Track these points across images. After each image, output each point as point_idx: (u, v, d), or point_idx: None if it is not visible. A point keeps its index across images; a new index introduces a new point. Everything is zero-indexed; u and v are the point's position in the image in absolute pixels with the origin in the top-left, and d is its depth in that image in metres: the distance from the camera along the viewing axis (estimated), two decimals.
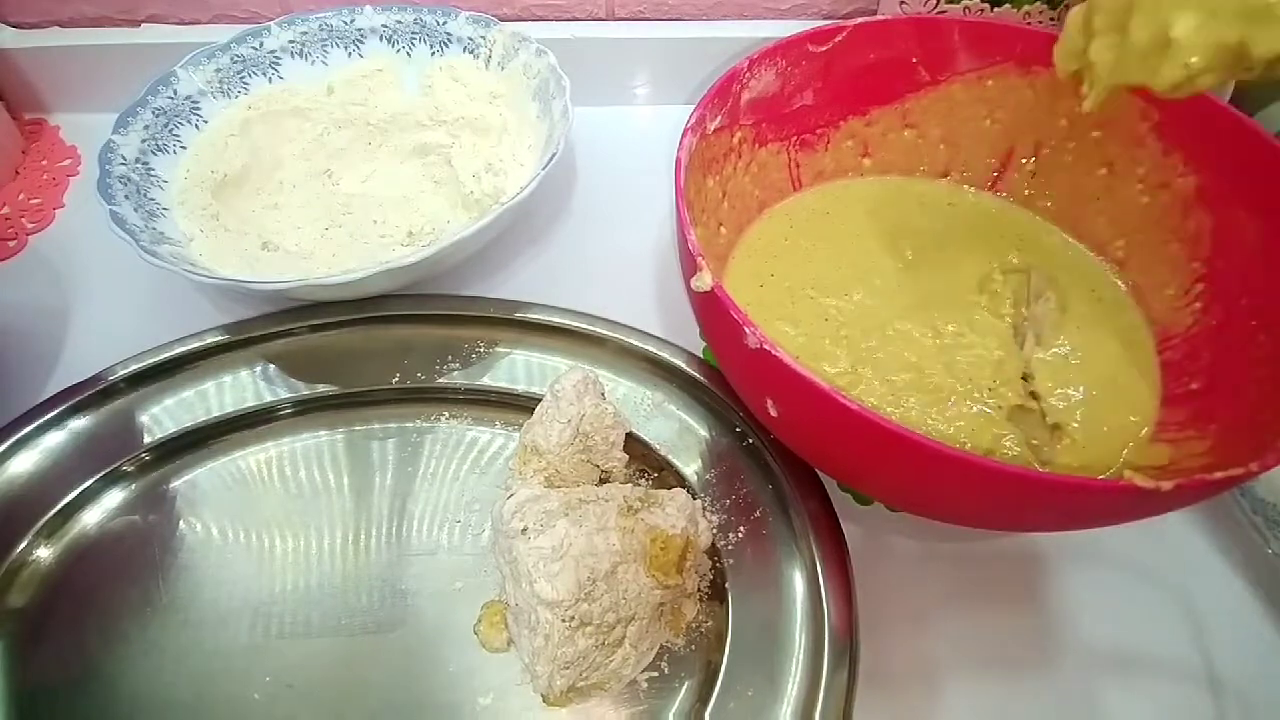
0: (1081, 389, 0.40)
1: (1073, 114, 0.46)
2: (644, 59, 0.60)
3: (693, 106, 0.40)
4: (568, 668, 0.34)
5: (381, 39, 0.57)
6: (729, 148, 0.44)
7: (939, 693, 0.37)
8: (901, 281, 0.44)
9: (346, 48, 0.57)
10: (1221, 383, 0.39)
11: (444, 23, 0.56)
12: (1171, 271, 0.43)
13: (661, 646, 0.37)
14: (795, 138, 0.47)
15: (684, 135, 0.38)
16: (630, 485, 0.40)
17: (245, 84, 0.55)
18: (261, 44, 0.55)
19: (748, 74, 0.42)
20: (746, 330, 0.31)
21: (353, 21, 0.57)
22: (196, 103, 0.53)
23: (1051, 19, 0.51)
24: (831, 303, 0.43)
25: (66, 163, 0.57)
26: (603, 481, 0.40)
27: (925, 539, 0.41)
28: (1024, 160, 0.48)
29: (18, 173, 0.56)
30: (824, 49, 0.45)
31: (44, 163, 0.57)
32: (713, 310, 0.33)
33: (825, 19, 0.61)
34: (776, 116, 0.46)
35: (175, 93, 0.52)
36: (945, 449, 0.28)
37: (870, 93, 0.48)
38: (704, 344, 0.47)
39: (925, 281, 0.44)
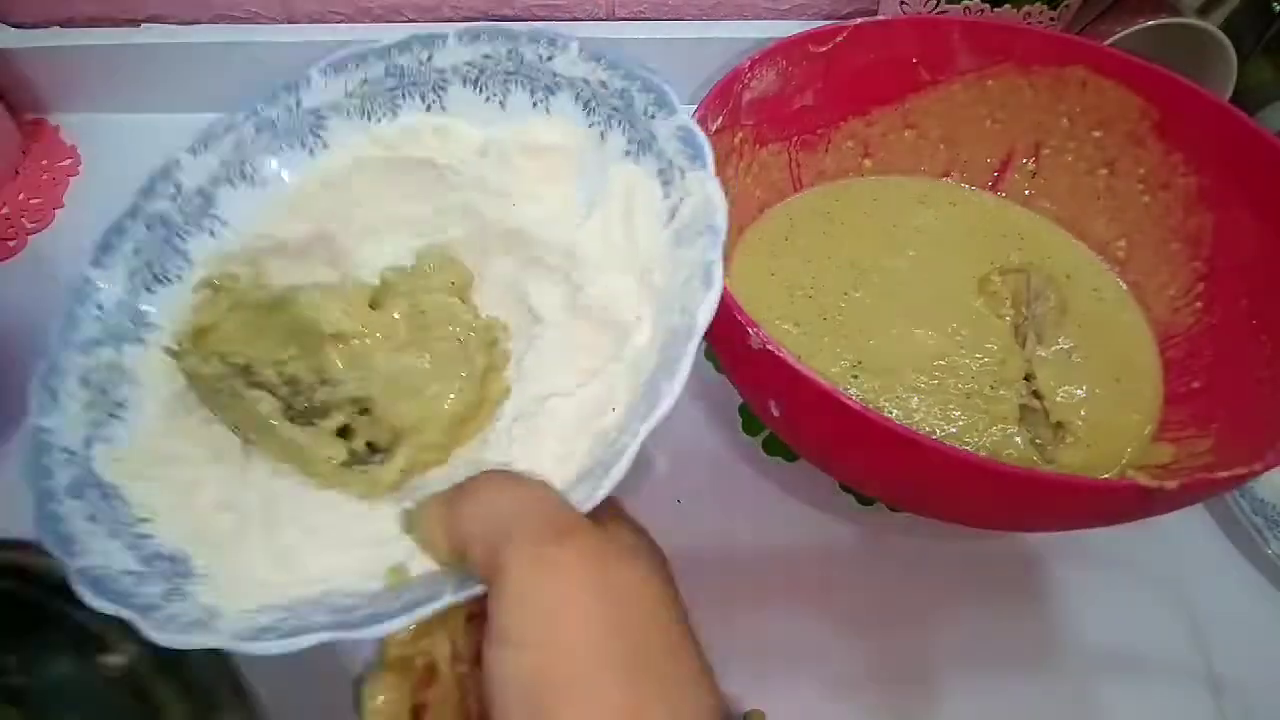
0: (1084, 388, 0.40)
1: (1073, 114, 0.46)
2: (644, 59, 0.59)
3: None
4: None
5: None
6: (730, 148, 0.44)
7: (939, 693, 0.37)
8: (903, 281, 0.44)
9: (424, 96, 0.42)
10: (1223, 382, 0.39)
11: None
12: (1172, 271, 0.43)
13: None
14: (796, 138, 0.47)
15: None
16: None
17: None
18: (299, 102, 0.42)
19: (749, 74, 0.42)
20: (750, 331, 0.31)
21: (429, 59, 0.42)
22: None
23: (1052, 19, 0.51)
24: (832, 302, 0.43)
25: (66, 163, 0.57)
26: None
27: (925, 539, 0.41)
28: (1024, 160, 0.48)
29: (18, 173, 0.56)
30: (825, 49, 0.45)
31: (44, 163, 0.57)
32: (716, 310, 0.33)
33: (825, 19, 0.60)
34: (777, 117, 0.46)
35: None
36: (952, 451, 0.28)
37: (871, 93, 0.48)
38: (704, 344, 0.47)
39: (926, 281, 0.44)
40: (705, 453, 0.44)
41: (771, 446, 0.43)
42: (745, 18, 0.60)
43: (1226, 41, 0.48)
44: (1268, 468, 0.29)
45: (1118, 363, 0.42)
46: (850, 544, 0.39)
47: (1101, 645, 0.39)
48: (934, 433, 0.38)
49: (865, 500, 0.41)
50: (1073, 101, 0.46)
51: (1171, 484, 0.27)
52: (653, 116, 0.37)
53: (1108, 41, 0.49)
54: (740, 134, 0.44)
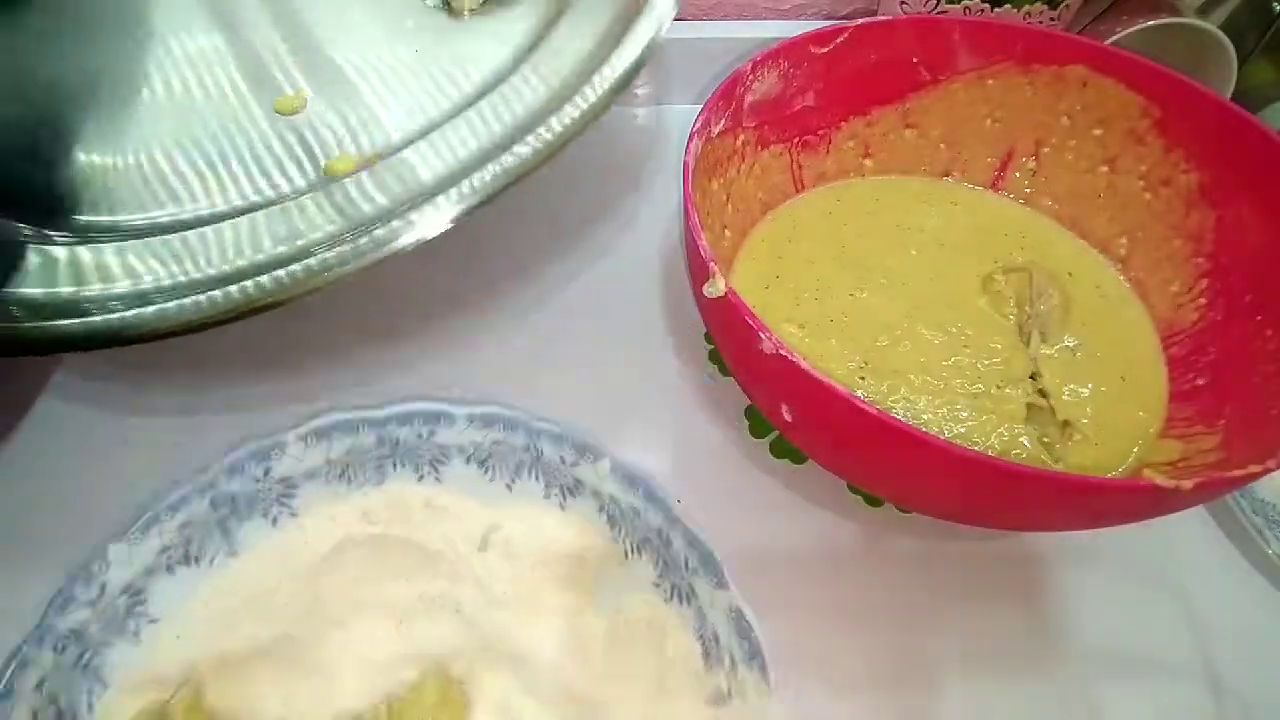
0: (1089, 385, 0.40)
1: (1073, 112, 0.46)
2: None
3: (691, 106, 0.39)
4: None
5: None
6: (732, 150, 0.44)
7: (939, 693, 0.37)
8: (906, 281, 0.44)
9: (418, 467, 0.38)
10: (1228, 378, 0.39)
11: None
12: (1175, 268, 0.43)
13: None
14: (797, 139, 0.47)
15: (690, 139, 0.38)
16: None
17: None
18: (268, 471, 0.36)
19: (751, 76, 0.42)
20: (762, 336, 0.31)
21: (431, 435, 0.38)
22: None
23: (1052, 19, 0.51)
24: (837, 304, 0.43)
25: None
26: None
27: (927, 538, 0.41)
28: (1025, 159, 0.48)
29: None
30: (826, 50, 0.45)
31: None
32: (725, 316, 0.33)
33: (825, 19, 0.60)
34: (779, 118, 0.46)
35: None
36: (970, 454, 0.28)
37: (871, 93, 0.48)
38: (710, 347, 0.47)
39: (930, 281, 0.44)
40: (711, 454, 0.43)
41: (779, 449, 0.43)
42: (745, 18, 0.60)
43: (1227, 41, 0.49)
44: None
45: (1122, 360, 0.42)
46: (857, 545, 0.39)
47: (1101, 645, 0.38)
48: (942, 433, 0.38)
49: (874, 501, 0.41)
50: (1073, 100, 0.46)
51: (1188, 484, 0.27)
52: (695, 572, 0.34)
53: (1108, 41, 0.49)
54: (743, 136, 0.44)
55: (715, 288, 0.33)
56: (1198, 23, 0.49)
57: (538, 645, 0.34)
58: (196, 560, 0.34)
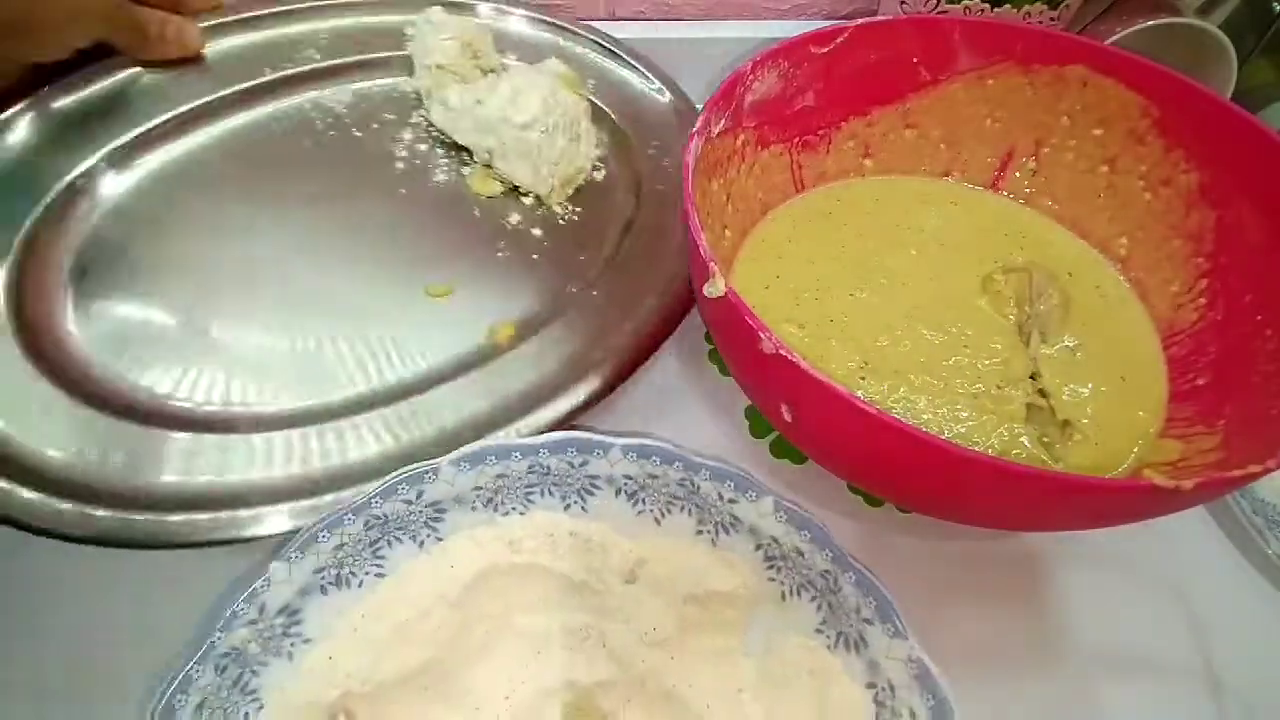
0: (1089, 385, 0.40)
1: (1074, 112, 0.46)
2: (646, 59, 0.59)
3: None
4: (556, 164, 0.47)
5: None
6: (733, 150, 0.44)
7: None
8: (906, 282, 0.44)
9: (564, 496, 0.37)
10: (1228, 378, 0.39)
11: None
12: (1175, 268, 0.43)
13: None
14: (797, 139, 0.47)
15: (690, 139, 0.38)
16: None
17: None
18: (421, 494, 0.36)
19: (751, 76, 0.42)
20: (762, 335, 0.30)
21: (583, 464, 0.37)
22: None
23: (1052, 19, 0.51)
24: (837, 304, 0.43)
25: None
26: None
27: (927, 538, 0.41)
28: (1025, 159, 0.48)
29: None
30: (825, 50, 0.45)
31: None
32: (725, 316, 0.33)
33: (825, 19, 0.61)
34: (779, 118, 0.46)
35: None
36: (971, 454, 0.28)
37: (871, 93, 0.48)
38: (710, 347, 0.47)
39: (930, 281, 0.44)
40: (711, 455, 0.43)
41: (779, 449, 0.43)
42: (745, 18, 0.60)
43: (1226, 41, 0.49)
44: None
45: (1122, 360, 0.42)
46: (857, 544, 0.39)
47: (1101, 645, 0.39)
48: (943, 433, 0.38)
49: (874, 501, 0.41)
50: (1073, 100, 0.46)
51: (1188, 484, 0.27)
52: (868, 621, 0.33)
53: (1108, 41, 0.49)
54: (743, 136, 0.44)
55: (715, 288, 0.33)
56: (1198, 23, 0.49)
57: (689, 686, 0.33)
58: (348, 582, 0.34)
